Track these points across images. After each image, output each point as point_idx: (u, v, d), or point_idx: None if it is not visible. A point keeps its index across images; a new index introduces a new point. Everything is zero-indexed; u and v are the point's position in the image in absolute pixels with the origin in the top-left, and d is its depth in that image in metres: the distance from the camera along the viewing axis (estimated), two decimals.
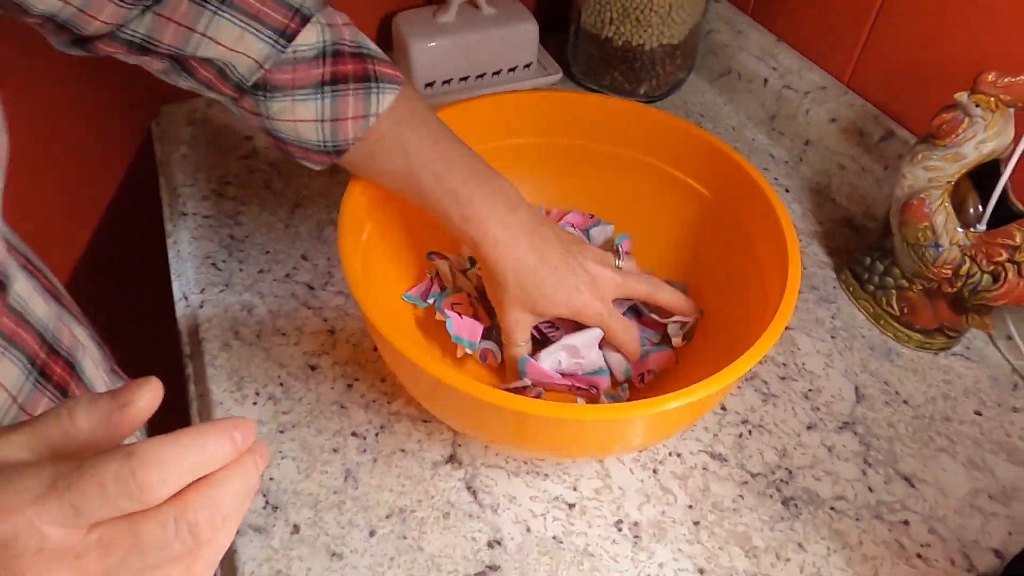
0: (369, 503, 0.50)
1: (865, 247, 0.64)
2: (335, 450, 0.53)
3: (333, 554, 0.47)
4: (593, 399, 0.53)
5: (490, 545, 0.48)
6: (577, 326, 0.54)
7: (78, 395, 0.44)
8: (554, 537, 0.49)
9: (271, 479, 0.51)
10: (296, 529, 0.48)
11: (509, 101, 0.59)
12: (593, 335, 0.53)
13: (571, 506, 0.50)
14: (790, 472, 0.53)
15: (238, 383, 0.56)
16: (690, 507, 0.51)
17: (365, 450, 0.53)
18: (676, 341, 0.55)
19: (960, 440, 0.55)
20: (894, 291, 0.60)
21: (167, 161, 0.76)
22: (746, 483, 0.52)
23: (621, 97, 0.77)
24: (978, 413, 0.57)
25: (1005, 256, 0.51)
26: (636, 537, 0.49)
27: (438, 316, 0.56)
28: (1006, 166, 0.51)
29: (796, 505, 0.51)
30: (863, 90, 0.72)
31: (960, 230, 0.54)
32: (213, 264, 0.65)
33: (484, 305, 0.57)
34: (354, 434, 0.54)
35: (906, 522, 0.50)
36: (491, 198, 0.49)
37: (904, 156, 0.56)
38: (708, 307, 0.56)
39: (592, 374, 0.53)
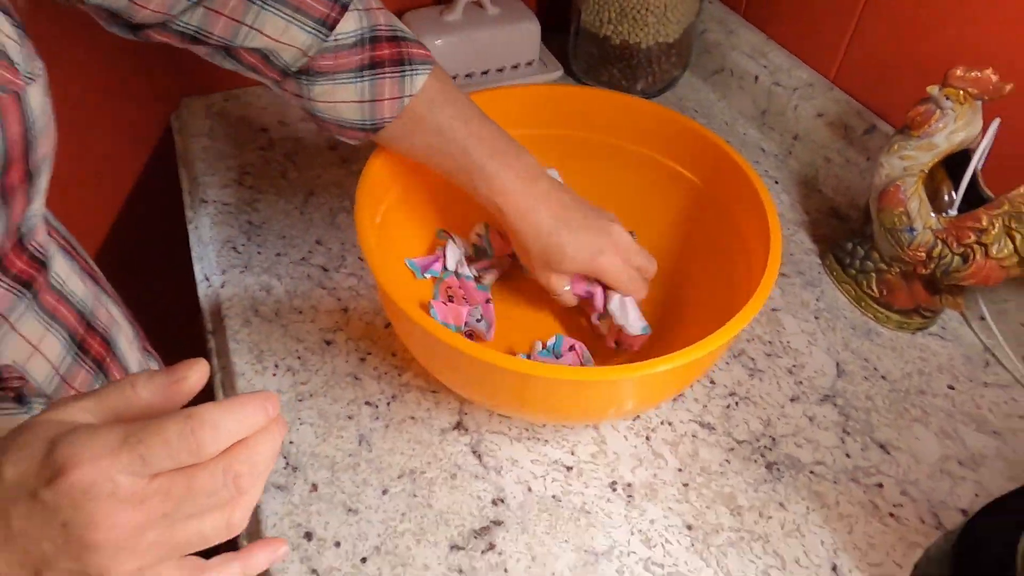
0: (382, 465, 0.54)
1: (848, 234, 0.68)
2: (350, 417, 0.56)
3: (349, 510, 0.51)
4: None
5: (494, 503, 0.52)
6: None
7: (115, 371, 0.48)
8: (553, 496, 0.53)
9: (291, 443, 0.55)
10: (315, 487, 0.52)
11: (512, 95, 0.63)
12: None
13: (569, 469, 0.54)
14: (773, 440, 0.57)
15: (259, 356, 0.60)
16: (680, 470, 0.54)
17: (378, 417, 0.57)
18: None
19: (933, 412, 0.59)
20: (874, 274, 0.64)
21: (187, 152, 0.80)
22: (732, 449, 0.56)
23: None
24: (951, 387, 0.60)
25: (973, 238, 0.55)
26: (629, 496, 0.53)
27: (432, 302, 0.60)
28: (975, 154, 0.55)
29: (778, 469, 0.55)
30: (848, 87, 0.76)
31: (933, 215, 0.58)
32: (233, 248, 0.69)
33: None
34: (367, 403, 0.57)
35: (880, 485, 0.54)
36: (515, 171, 0.52)
37: (881, 147, 0.60)
38: (698, 286, 0.60)
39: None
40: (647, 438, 0.56)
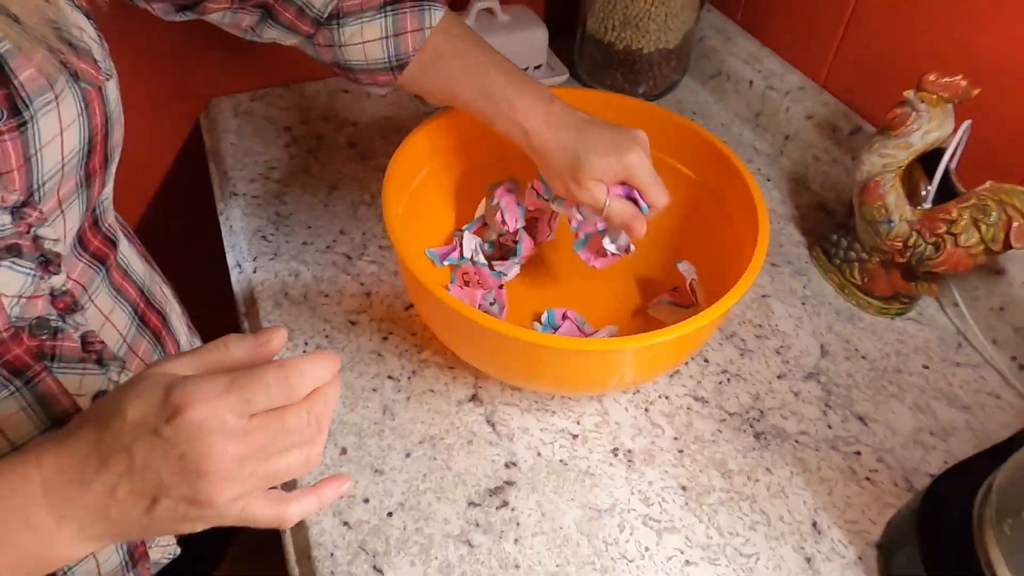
0: (404, 432, 0.59)
1: (834, 227, 0.73)
2: (374, 390, 0.62)
3: (375, 471, 0.56)
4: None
5: (507, 466, 0.57)
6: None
7: (169, 343, 0.54)
8: (560, 460, 0.58)
9: None
10: (344, 451, 0.57)
11: None
12: None
13: (575, 436, 0.60)
14: (762, 412, 0.62)
15: (290, 335, 0.65)
16: (676, 439, 0.60)
17: (400, 390, 0.62)
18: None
19: (908, 388, 0.64)
20: (856, 263, 0.69)
21: (217, 148, 0.86)
22: (724, 420, 0.61)
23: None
24: (925, 367, 0.66)
25: (944, 229, 0.60)
26: (630, 461, 0.58)
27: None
28: (946, 152, 0.60)
29: (766, 438, 0.60)
30: (836, 90, 0.81)
31: (909, 208, 0.63)
32: (263, 237, 0.74)
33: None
34: (390, 377, 0.63)
35: (858, 452, 0.59)
36: (533, 95, 0.56)
37: (864, 146, 0.66)
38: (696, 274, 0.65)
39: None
40: (646, 410, 0.61)
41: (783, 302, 0.71)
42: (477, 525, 0.54)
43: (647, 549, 0.53)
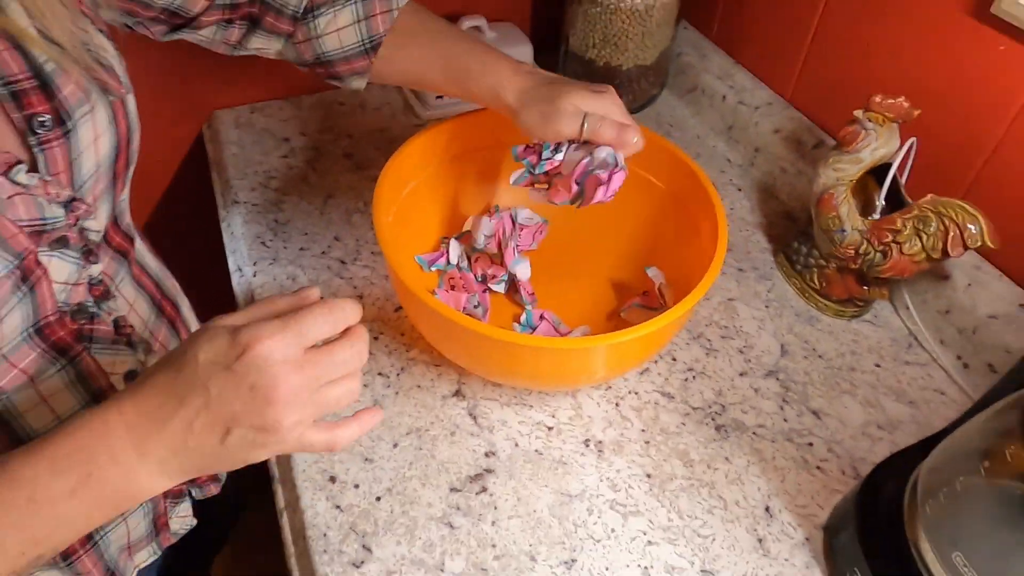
0: (393, 424, 0.64)
1: (796, 235, 0.79)
2: (365, 385, 0.67)
3: (365, 459, 0.61)
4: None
5: (487, 455, 0.62)
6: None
7: (182, 330, 0.60)
8: (536, 450, 0.63)
9: None
10: None
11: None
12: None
13: (550, 429, 0.65)
14: (723, 407, 0.67)
15: None
16: (643, 431, 0.65)
17: (389, 386, 0.67)
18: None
19: (861, 385, 0.69)
20: (815, 269, 0.74)
21: (219, 158, 0.91)
22: (688, 414, 0.66)
23: None
24: (877, 365, 0.71)
25: (890, 238, 0.65)
26: (600, 451, 0.63)
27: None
28: (892, 167, 0.66)
29: (726, 430, 0.65)
30: (801, 106, 0.87)
31: (860, 218, 0.68)
32: (262, 243, 0.79)
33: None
34: (380, 374, 0.68)
35: (811, 444, 0.64)
36: (504, 60, 0.60)
37: (820, 160, 0.71)
38: (662, 274, 0.70)
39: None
40: (616, 404, 0.67)
41: (748, 305, 0.76)
42: (458, 508, 0.59)
43: (613, 531, 0.58)
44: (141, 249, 0.58)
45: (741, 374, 0.70)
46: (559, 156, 0.59)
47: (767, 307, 0.76)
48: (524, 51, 0.96)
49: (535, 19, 1.06)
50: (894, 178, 0.67)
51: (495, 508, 0.59)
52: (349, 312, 0.39)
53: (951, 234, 0.61)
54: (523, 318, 0.71)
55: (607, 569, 0.55)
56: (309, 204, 0.84)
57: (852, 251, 0.69)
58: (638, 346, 0.58)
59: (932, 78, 0.69)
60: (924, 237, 0.63)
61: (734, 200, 0.88)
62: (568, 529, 0.58)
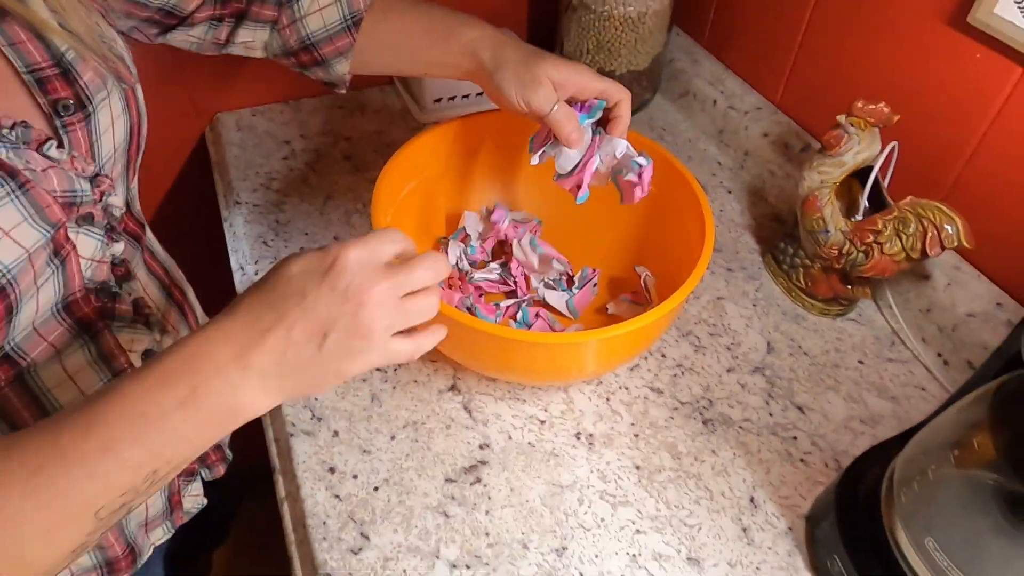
0: (390, 417, 0.66)
1: (783, 236, 0.81)
2: (363, 380, 0.69)
3: (364, 451, 0.63)
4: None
5: (481, 447, 0.64)
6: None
7: (190, 315, 0.63)
8: (529, 443, 0.65)
9: (316, 400, 0.67)
10: (336, 434, 0.64)
11: (500, 116, 0.75)
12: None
13: (542, 422, 0.67)
14: (711, 402, 0.69)
15: None
16: (632, 424, 0.67)
17: (386, 380, 0.69)
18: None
19: (844, 381, 0.71)
20: (801, 269, 0.77)
21: (221, 160, 0.93)
22: (676, 408, 0.68)
23: None
24: (860, 362, 0.73)
25: (872, 239, 0.67)
26: (590, 444, 0.65)
27: None
28: (873, 170, 0.68)
29: (713, 424, 0.67)
30: (789, 111, 0.89)
31: (843, 219, 0.70)
32: (264, 242, 0.82)
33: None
34: (378, 369, 0.70)
35: (795, 437, 0.66)
36: (481, 26, 0.62)
37: (805, 163, 0.73)
38: (653, 272, 0.73)
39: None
40: (607, 399, 0.69)
41: (736, 303, 0.78)
42: (453, 498, 0.61)
43: (603, 520, 0.60)
44: (151, 237, 0.61)
45: (728, 370, 0.72)
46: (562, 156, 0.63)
47: (754, 306, 0.78)
48: None
49: (530, 25, 1.08)
50: (876, 181, 0.69)
51: (489, 498, 0.61)
52: (412, 243, 0.43)
53: (929, 234, 0.63)
54: (519, 315, 0.73)
55: (597, 556, 0.58)
56: (309, 205, 0.86)
57: (836, 251, 0.71)
58: (628, 341, 0.60)
59: (912, 85, 0.71)
60: (904, 238, 0.65)
61: (724, 202, 0.91)
62: (559, 518, 0.60)
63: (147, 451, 0.37)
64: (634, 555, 0.58)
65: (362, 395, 0.68)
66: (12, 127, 0.43)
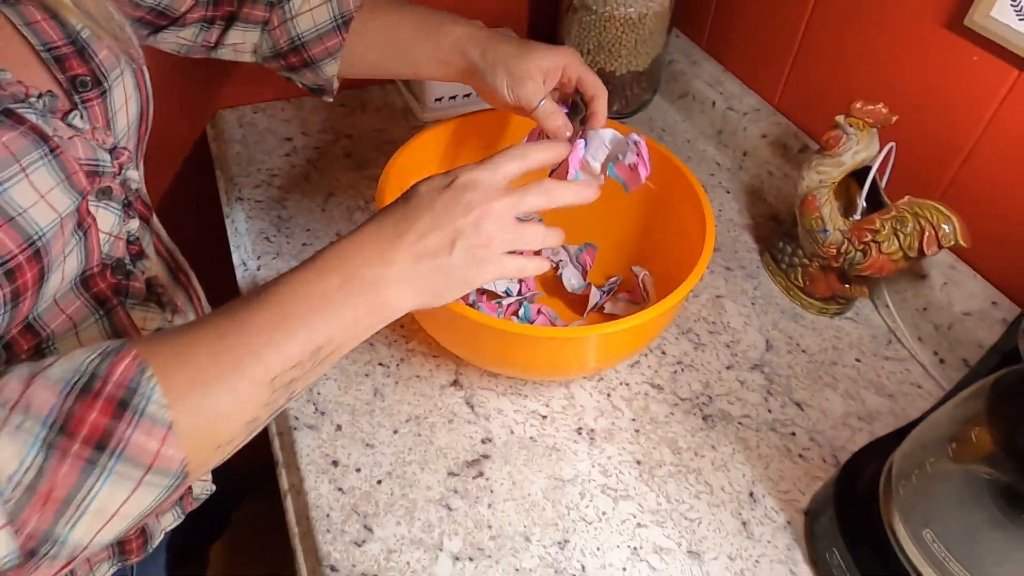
0: (392, 412, 0.66)
1: (781, 235, 0.82)
2: (366, 375, 0.69)
3: (367, 444, 0.64)
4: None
5: (483, 441, 0.65)
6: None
7: (195, 297, 0.63)
8: (531, 437, 0.65)
9: (318, 393, 0.67)
10: (339, 427, 0.65)
11: (501, 116, 0.76)
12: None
13: (544, 417, 0.67)
14: (710, 398, 0.70)
15: None
16: (633, 420, 0.67)
17: (389, 375, 0.69)
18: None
19: (842, 378, 0.72)
20: (799, 268, 0.77)
21: (223, 156, 0.93)
22: (676, 404, 0.69)
23: None
24: (858, 360, 0.74)
25: (870, 238, 0.68)
26: (591, 439, 0.66)
27: None
28: (872, 170, 0.69)
29: (712, 420, 0.68)
30: (787, 112, 0.90)
31: (841, 219, 0.71)
32: (266, 238, 0.82)
33: None
34: (380, 364, 0.70)
35: (793, 433, 0.67)
36: (469, 24, 0.63)
37: (804, 163, 0.74)
38: (652, 272, 0.73)
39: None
40: (608, 395, 0.69)
41: (735, 302, 0.79)
42: (455, 492, 0.61)
43: (604, 513, 0.60)
44: (157, 222, 0.61)
45: (728, 367, 0.73)
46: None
47: (753, 304, 0.79)
48: None
49: (531, 26, 1.09)
50: (874, 180, 0.70)
51: (491, 491, 0.61)
52: (532, 158, 0.48)
53: (926, 234, 0.64)
54: (521, 312, 0.74)
55: (598, 549, 0.58)
56: (311, 201, 0.87)
57: (834, 250, 0.72)
58: (629, 337, 0.61)
59: (910, 86, 0.72)
60: (901, 237, 0.66)
61: (723, 202, 0.91)
62: (561, 512, 0.60)
63: (313, 327, 0.40)
64: (635, 548, 0.58)
65: (364, 389, 0.68)
66: (39, 96, 0.44)
